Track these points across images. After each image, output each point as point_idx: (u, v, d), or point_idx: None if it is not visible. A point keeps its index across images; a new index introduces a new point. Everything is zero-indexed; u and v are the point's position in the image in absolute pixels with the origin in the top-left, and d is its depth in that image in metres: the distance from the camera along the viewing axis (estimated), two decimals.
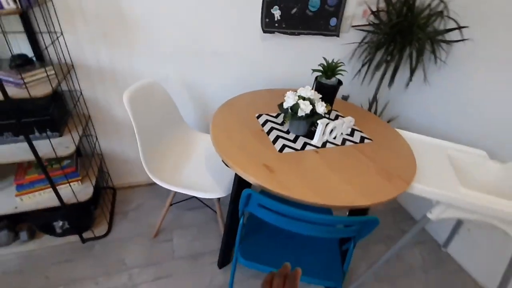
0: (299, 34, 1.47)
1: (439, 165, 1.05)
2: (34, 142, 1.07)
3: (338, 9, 1.45)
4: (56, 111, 1.15)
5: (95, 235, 1.39)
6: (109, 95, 1.38)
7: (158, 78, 1.39)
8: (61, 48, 1.18)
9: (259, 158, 0.90)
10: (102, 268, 1.28)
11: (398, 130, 1.20)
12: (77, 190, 1.25)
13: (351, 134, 1.11)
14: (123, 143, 1.56)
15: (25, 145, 1.05)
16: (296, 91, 1.00)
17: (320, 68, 1.09)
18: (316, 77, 1.10)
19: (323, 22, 1.47)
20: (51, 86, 0.98)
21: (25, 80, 0.95)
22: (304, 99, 0.96)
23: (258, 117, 1.14)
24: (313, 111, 0.95)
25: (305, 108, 0.93)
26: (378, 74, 1.55)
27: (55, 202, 1.21)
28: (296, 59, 1.57)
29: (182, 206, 1.63)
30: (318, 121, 0.95)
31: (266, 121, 1.11)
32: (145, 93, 1.20)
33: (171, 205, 1.36)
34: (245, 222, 0.99)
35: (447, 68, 1.45)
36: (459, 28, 1.36)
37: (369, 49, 1.53)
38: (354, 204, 0.77)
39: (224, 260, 1.33)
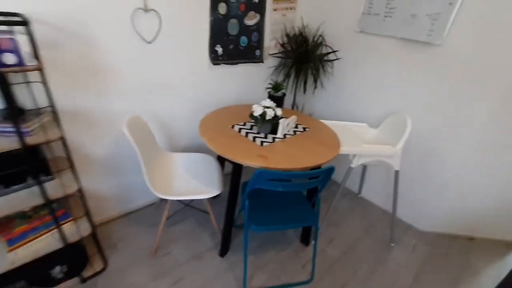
0: (236, 63, 1.93)
1: (347, 134, 1.69)
2: (30, 189, 1.12)
3: (259, 43, 2.00)
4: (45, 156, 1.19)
5: (97, 271, 1.40)
6: (83, 136, 1.45)
7: (126, 113, 1.56)
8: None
9: (250, 152, 1.29)
10: None
11: (320, 120, 1.81)
12: (73, 230, 1.28)
13: (296, 127, 1.63)
14: (96, 180, 1.60)
15: (18, 194, 1.08)
16: (252, 105, 1.45)
17: (270, 86, 1.58)
18: (269, 92, 1.58)
19: (251, 53, 1.99)
20: (59, 130, 1.07)
21: (30, 129, 1.02)
22: (267, 107, 1.41)
23: (232, 127, 1.52)
24: (275, 115, 1.42)
25: (270, 113, 1.38)
26: (294, 85, 2.19)
27: (54, 246, 1.21)
28: (237, 81, 2.03)
29: (169, 221, 1.77)
30: (280, 121, 1.42)
31: (240, 129, 1.50)
32: (134, 123, 1.38)
33: (167, 218, 1.54)
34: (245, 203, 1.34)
35: (334, 77, 2.22)
36: (333, 51, 2.13)
37: (284, 69, 2.15)
38: (316, 163, 1.27)
39: (223, 249, 1.60)
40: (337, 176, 2.41)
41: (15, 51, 0.84)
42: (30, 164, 1.04)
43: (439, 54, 1.61)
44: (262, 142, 1.39)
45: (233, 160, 1.24)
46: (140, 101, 1.60)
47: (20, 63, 0.86)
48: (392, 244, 1.84)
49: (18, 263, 1.13)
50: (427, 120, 1.75)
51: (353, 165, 1.58)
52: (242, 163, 1.24)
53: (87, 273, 1.39)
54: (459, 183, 1.77)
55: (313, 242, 1.77)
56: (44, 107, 1.12)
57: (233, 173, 1.36)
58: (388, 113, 1.91)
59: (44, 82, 0.99)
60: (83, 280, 1.37)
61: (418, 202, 1.95)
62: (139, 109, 1.61)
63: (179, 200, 1.94)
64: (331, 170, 1.20)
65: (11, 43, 0.82)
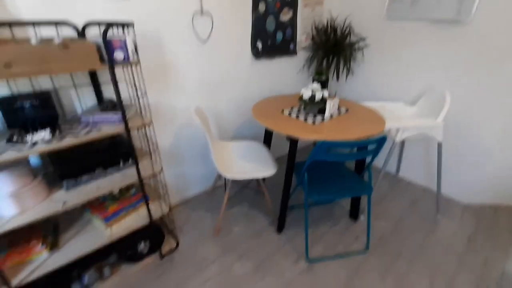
0: (274, 57, 2.09)
1: (386, 113, 1.79)
2: (122, 171, 1.29)
3: (293, 38, 2.15)
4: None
5: (171, 248, 1.56)
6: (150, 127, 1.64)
7: (185, 106, 1.73)
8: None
9: (304, 129, 1.42)
10: (192, 269, 1.48)
11: (356, 102, 1.93)
12: (155, 209, 1.44)
13: (338, 109, 1.75)
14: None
15: (114, 176, 1.25)
16: (291, 95, 1.58)
17: (315, 73, 1.72)
18: (313, 78, 1.72)
19: (286, 47, 2.14)
20: (143, 119, 1.25)
21: (128, 116, 1.20)
22: (315, 90, 1.54)
23: (282, 112, 1.66)
24: (322, 96, 1.55)
25: (318, 95, 1.51)
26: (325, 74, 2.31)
27: (141, 223, 1.37)
28: (274, 75, 2.18)
29: (227, 205, 1.93)
30: (327, 101, 1.55)
31: (289, 113, 1.64)
32: (199, 112, 1.55)
33: (228, 199, 1.68)
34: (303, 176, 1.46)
35: (365, 63, 2.33)
36: (362, 39, 2.25)
37: (316, 60, 2.28)
38: (368, 134, 1.38)
39: (280, 226, 1.72)
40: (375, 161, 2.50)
41: (124, 48, 1.01)
42: (124, 149, 1.22)
43: (469, 31, 1.70)
44: (313, 121, 1.52)
45: (291, 136, 1.37)
46: (196, 95, 1.77)
47: (126, 58, 1.04)
48: (439, 217, 1.90)
49: (114, 237, 1.30)
50: (462, 94, 1.83)
51: (397, 139, 1.67)
52: (300, 138, 1.37)
53: (164, 250, 1.55)
54: (500, 152, 1.82)
55: (361, 217, 1.87)
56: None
57: (290, 151, 1.49)
58: (421, 93, 2.00)
59: (136, 76, 1.16)
60: (162, 256, 1.53)
61: (460, 175, 2.00)
62: (195, 103, 1.79)
63: (236, 183, 2.09)
64: (383, 139, 1.31)
65: (121, 42, 1.00)
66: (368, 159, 1.58)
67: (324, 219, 1.86)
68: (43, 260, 1.16)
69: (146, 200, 1.34)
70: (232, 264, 1.51)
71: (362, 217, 1.87)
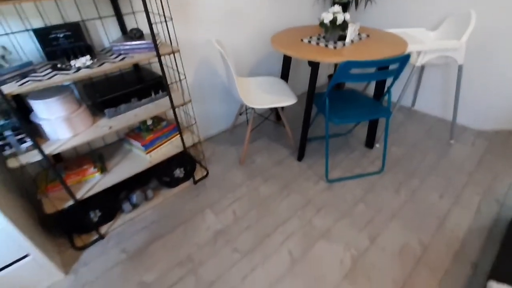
0: None
1: (408, 38, 1.75)
2: (155, 102, 1.37)
3: None
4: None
5: (202, 176, 1.72)
6: (172, 62, 1.67)
7: (204, 41, 1.73)
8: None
9: (326, 53, 1.43)
10: (223, 191, 1.65)
11: (376, 29, 1.87)
12: (185, 139, 1.56)
13: (359, 34, 1.72)
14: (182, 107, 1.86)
15: (148, 106, 1.34)
16: (307, 26, 1.54)
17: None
18: (333, 0, 1.66)
19: None
20: (171, 47, 1.28)
21: (158, 42, 1.23)
22: (336, 13, 1.51)
23: (301, 40, 1.65)
24: (344, 19, 1.51)
25: (340, 18, 1.48)
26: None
27: (175, 151, 1.50)
28: (291, 6, 2.09)
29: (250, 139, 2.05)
30: (349, 26, 1.52)
31: (309, 41, 1.63)
32: (219, 43, 1.56)
33: (251, 130, 1.78)
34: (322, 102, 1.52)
35: None
36: None
37: None
38: (390, 55, 1.39)
39: (300, 154, 1.84)
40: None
41: None
42: (152, 81, 1.28)
43: None
44: (334, 47, 1.52)
45: (312, 60, 1.39)
46: (214, 29, 1.75)
47: None
48: (452, 141, 1.98)
49: (153, 162, 1.44)
50: (486, 16, 1.74)
51: (418, 63, 1.67)
52: (321, 61, 1.39)
53: (196, 177, 1.71)
54: None
55: (377, 145, 1.97)
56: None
57: (311, 76, 1.52)
58: (444, 17, 1.91)
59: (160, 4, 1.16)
60: (195, 182, 1.70)
61: (476, 102, 2.02)
62: (214, 37, 1.78)
63: (256, 118, 2.19)
64: (407, 57, 1.32)
65: None
66: (388, 82, 1.61)
67: (341, 148, 1.96)
68: (96, 181, 1.32)
69: (179, 128, 1.45)
70: (258, 187, 1.67)
71: (378, 145, 1.97)
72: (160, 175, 1.60)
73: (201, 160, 1.86)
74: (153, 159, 1.45)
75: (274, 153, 1.94)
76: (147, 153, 1.45)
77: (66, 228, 1.36)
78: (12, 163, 1.00)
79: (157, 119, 1.59)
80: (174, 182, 1.63)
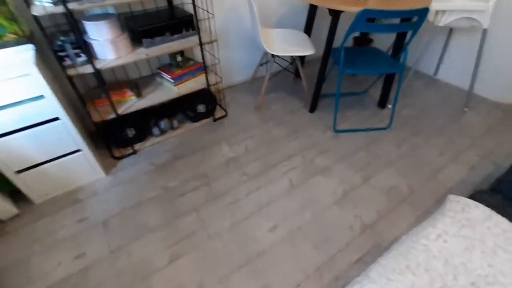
0: None
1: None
2: (185, 38, 1.53)
3: None
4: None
5: (221, 115, 1.92)
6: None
7: None
8: None
9: (347, 2, 1.49)
10: (239, 129, 1.84)
11: None
12: (210, 78, 1.73)
13: None
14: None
15: (178, 41, 1.50)
16: None
17: None
18: None
19: None
20: None
21: None
22: None
23: None
24: None
25: None
26: None
27: (199, 87, 1.69)
28: None
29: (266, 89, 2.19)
30: None
31: None
32: None
33: (270, 79, 1.92)
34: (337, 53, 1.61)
35: None
36: None
37: None
38: (416, 7, 1.42)
39: (313, 106, 1.97)
40: (410, 60, 2.49)
41: None
42: (182, 19, 1.43)
43: None
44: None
45: (333, 8, 1.46)
46: None
47: None
48: (466, 109, 2.01)
49: (180, 94, 1.64)
50: None
51: (441, 23, 1.68)
52: (344, 9, 1.45)
53: (216, 116, 1.92)
54: None
55: (389, 106, 2.04)
56: None
57: (331, 25, 1.60)
58: None
59: None
60: (214, 120, 1.91)
61: (498, 72, 1.99)
62: None
63: (275, 69, 2.31)
64: (426, 9, 1.36)
65: None
66: (407, 38, 1.65)
67: (354, 106, 2.06)
68: (133, 103, 1.55)
69: (204, 66, 1.62)
70: (270, 129, 1.85)
71: (390, 106, 2.04)
72: (185, 109, 1.81)
73: (221, 102, 2.04)
74: (180, 91, 1.65)
75: (288, 104, 2.08)
76: (176, 85, 1.65)
77: (107, 140, 1.63)
78: (70, 72, 1.24)
79: (186, 58, 1.77)
80: (196, 117, 1.84)
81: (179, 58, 1.70)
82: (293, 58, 2.34)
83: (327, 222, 1.29)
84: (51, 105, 1.16)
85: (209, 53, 1.96)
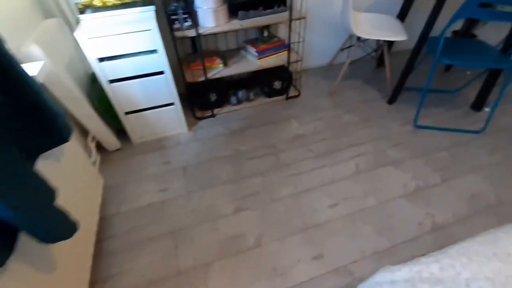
0: None
1: None
2: (276, 14, 1.59)
3: None
4: None
5: (294, 95, 1.97)
6: None
7: None
8: None
9: None
10: (309, 109, 1.86)
11: None
12: (291, 56, 1.78)
13: None
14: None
15: (269, 16, 1.57)
16: None
17: None
18: None
19: None
20: None
21: None
22: None
23: None
24: None
25: None
26: None
27: (279, 63, 1.75)
28: None
29: (343, 76, 2.14)
30: None
31: None
32: None
33: (350, 64, 1.88)
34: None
35: None
36: None
37: None
38: None
39: (393, 97, 1.86)
40: None
41: None
42: None
43: None
44: None
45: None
46: None
47: None
48: None
49: (261, 67, 1.73)
50: None
51: None
52: None
53: (289, 94, 1.97)
54: None
55: (485, 109, 1.79)
56: None
57: (432, 11, 1.47)
58: None
59: None
60: (287, 98, 1.96)
61: None
62: None
63: (355, 54, 2.25)
64: None
65: None
66: None
67: (442, 104, 1.87)
68: (220, 70, 1.70)
69: (288, 44, 1.67)
70: (342, 114, 1.82)
71: (487, 109, 1.79)
72: (262, 84, 1.90)
73: (296, 82, 2.08)
74: (262, 65, 1.74)
75: (365, 93, 2.00)
76: (258, 59, 1.74)
77: (192, 101, 1.84)
78: (178, 34, 1.42)
79: (271, 34, 1.84)
80: (271, 93, 1.92)
81: (265, 33, 1.79)
82: (379, 44, 2.21)
83: (392, 212, 1.24)
84: (160, 60, 1.36)
85: (297, 32, 2.00)
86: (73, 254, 0.93)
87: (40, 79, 0.93)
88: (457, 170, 1.42)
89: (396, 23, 1.81)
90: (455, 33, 2.34)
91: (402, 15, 1.92)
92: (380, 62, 2.26)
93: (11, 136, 0.63)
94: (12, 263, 0.65)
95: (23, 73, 0.68)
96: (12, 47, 1.00)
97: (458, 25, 2.48)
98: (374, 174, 1.41)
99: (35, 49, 1.08)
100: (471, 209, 1.24)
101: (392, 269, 0.63)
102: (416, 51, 1.62)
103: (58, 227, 0.65)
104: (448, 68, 2.21)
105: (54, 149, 0.90)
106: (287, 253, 1.12)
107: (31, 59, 1.07)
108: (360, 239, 1.15)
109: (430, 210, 1.23)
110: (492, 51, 1.53)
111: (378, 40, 2.16)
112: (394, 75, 2.13)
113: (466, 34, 2.23)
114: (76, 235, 0.77)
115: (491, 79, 1.69)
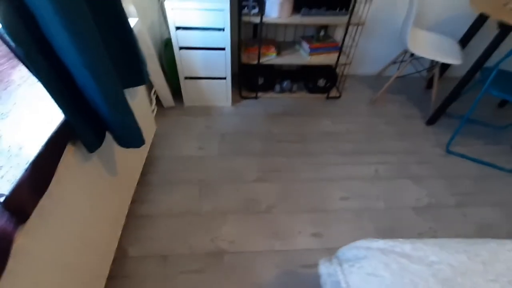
0: None
1: None
2: (336, 16, 1.70)
3: None
4: None
5: (335, 95, 2.08)
6: None
7: None
8: None
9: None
10: (346, 113, 1.95)
11: None
12: (341, 58, 1.88)
13: None
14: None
15: (330, 17, 1.68)
16: None
17: None
18: None
19: None
20: None
21: None
22: None
23: (504, 5, 1.53)
24: None
25: None
26: None
27: (327, 63, 1.87)
28: None
29: (389, 89, 2.16)
30: None
31: None
32: None
33: (397, 77, 1.92)
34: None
35: None
36: None
37: None
38: None
39: (433, 118, 1.87)
40: None
41: None
42: None
43: None
44: None
45: (508, 22, 1.34)
46: None
47: None
48: None
49: (311, 63, 1.86)
50: None
51: None
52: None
53: (330, 94, 2.07)
54: None
55: None
56: None
57: (494, 40, 1.47)
58: None
59: None
60: (328, 97, 2.07)
61: None
62: None
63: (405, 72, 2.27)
64: None
65: None
66: None
67: (483, 137, 1.83)
68: (272, 58, 1.87)
69: (341, 46, 1.77)
70: (377, 124, 1.88)
71: None
72: (307, 80, 2.04)
73: (339, 84, 2.17)
74: (311, 61, 1.87)
75: (407, 109, 2.03)
76: (310, 55, 1.88)
77: (241, 81, 2.04)
78: (245, 18, 1.62)
79: (327, 34, 1.95)
80: (313, 89, 2.05)
81: (322, 33, 1.90)
82: (432, 65, 2.19)
83: (397, 219, 1.32)
84: (225, 38, 1.57)
85: (350, 36, 2.09)
86: (127, 172, 1.19)
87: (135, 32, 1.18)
88: (475, 199, 1.43)
89: (455, 47, 1.81)
90: None
91: (464, 41, 1.90)
92: (431, 83, 2.24)
93: (114, 65, 0.87)
94: (95, 156, 0.91)
95: (128, 24, 0.92)
96: None
97: None
98: (392, 183, 1.49)
99: (131, 8, 1.35)
100: (476, 236, 1.27)
101: (371, 240, 0.75)
102: (466, 78, 1.62)
103: (133, 137, 0.88)
104: (503, 104, 2.12)
105: (131, 89, 1.15)
106: (291, 224, 1.27)
107: (128, 15, 1.34)
108: (360, 232, 1.26)
109: (434, 226, 1.29)
110: None
111: (432, 61, 2.15)
112: (440, 99, 2.12)
113: None
114: (131, 158, 1.01)
115: None
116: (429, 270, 0.68)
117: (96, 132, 0.82)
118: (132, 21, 1.23)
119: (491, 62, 1.52)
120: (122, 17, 0.90)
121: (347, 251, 0.78)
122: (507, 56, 1.37)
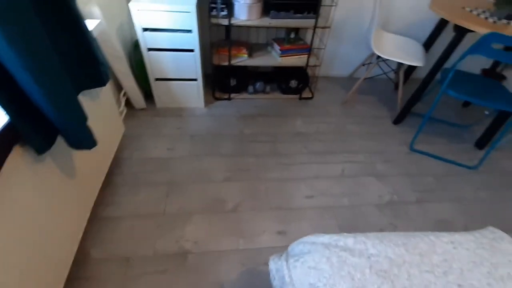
0: None
1: None
2: (303, 19, 1.74)
3: None
4: None
5: (307, 96, 2.12)
6: None
7: None
8: None
9: (484, 25, 1.40)
10: (318, 112, 2.00)
11: None
12: (311, 60, 1.93)
13: None
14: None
15: (298, 20, 1.72)
16: None
17: None
18: None
19: None
20: None
21: None
22: None
23: (463, 8, 1.61)
24: None
25: None
26: None
27: (298, 64, 1.91)
28: None
29: (359, 90, 2.22)
30: None
31: (470, 10, 1.58)
32: None
33: (365, 79, 1.98)
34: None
35: None
36: None
37: None
38: None
39: (399, 118, 1.94)
40: None
41: None
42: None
43: None
44: (494, 21, 1.45)
45: (461, 25, 1.41)
46: None
47: None
48: None
49: (282, 64, 1.90)
50: None
51: None
52: (471, 28, 1.39)
53: (302, 95, 2.12)
54: None
55: (488, 148, 1.81)
56: None
57: (451, 43, 1.54)
58: None
59: None
60: (300, 98, 2.11)
61: None
62: None
63: (372, 74, 2.33)
64: None
65: None
66: None
67: (447, 136, 1.92)
68: (243, 59, 1.89)
69: (310, 48, 1.82)
70: (346, 123, 1.93)
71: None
72: (279, 81, 2.07)
73: (311, 85, 2.22)
74: (282, 62, 1.90)
75: (375, 110, 2.09)
76: (281, 56, 1.91)
77: (214, 82, 2.05)
78: (213, 20, 1.63)
79: (298, 37, 1.99)
80: (286, 90, 2.08)
81: (292, 35, 1.94)
82: (398, 67, 2.28)
83: (360, 215, 1.37)
84: (193, 39, 1.58)
85: (319, 39, 2.14)
86: (89, 174, 1.18)
87: (94, 34, 1.17)
88: (436, 195, 1.50)
89: (419, 49, 1.89)
90: (484, 71, 2.34)
91: (428, 44, 1.99)
92: (397, 86, 2.32)
93: (67, 66, 0.87)
94: (48, 157, 0.90)
95: (84, 25, 0.92)
96: (79, 4, 1.26)
97: (488, 63, 2.46)
98: (356, 181, 1.53)
99: (95, 9, 1.34)
100: (433, 231, 1.32)
101: (317, 235, 0.78)
102: (427, 79, 1.69)
103: (84, 139, 0.88)
104: (466, 104, 2.22)
105: (92, 90, 1.14)
106: (256, 223, 1.29)
107: (91, 17, 1.33)
108: (322, 229, 1.29)
109: (394, 221, 1.34)
110: (506, 94, 1.57)
111: (399, 62, 2.23)
112: (407, 99, 2.20)
113: (493, 74, 2.22)
114: (94, 159, 1.00)
115: (500, 120, 1.72)
116: (367, 262, 0.71)
117: (45, 133, 0.82)
118: (94, 22, 1.23)
119: (450, 64, 1.60)
120: (75, 17, 0.89)
121: (296, 246, 0.80)
122: (461, 58, 1.44)
